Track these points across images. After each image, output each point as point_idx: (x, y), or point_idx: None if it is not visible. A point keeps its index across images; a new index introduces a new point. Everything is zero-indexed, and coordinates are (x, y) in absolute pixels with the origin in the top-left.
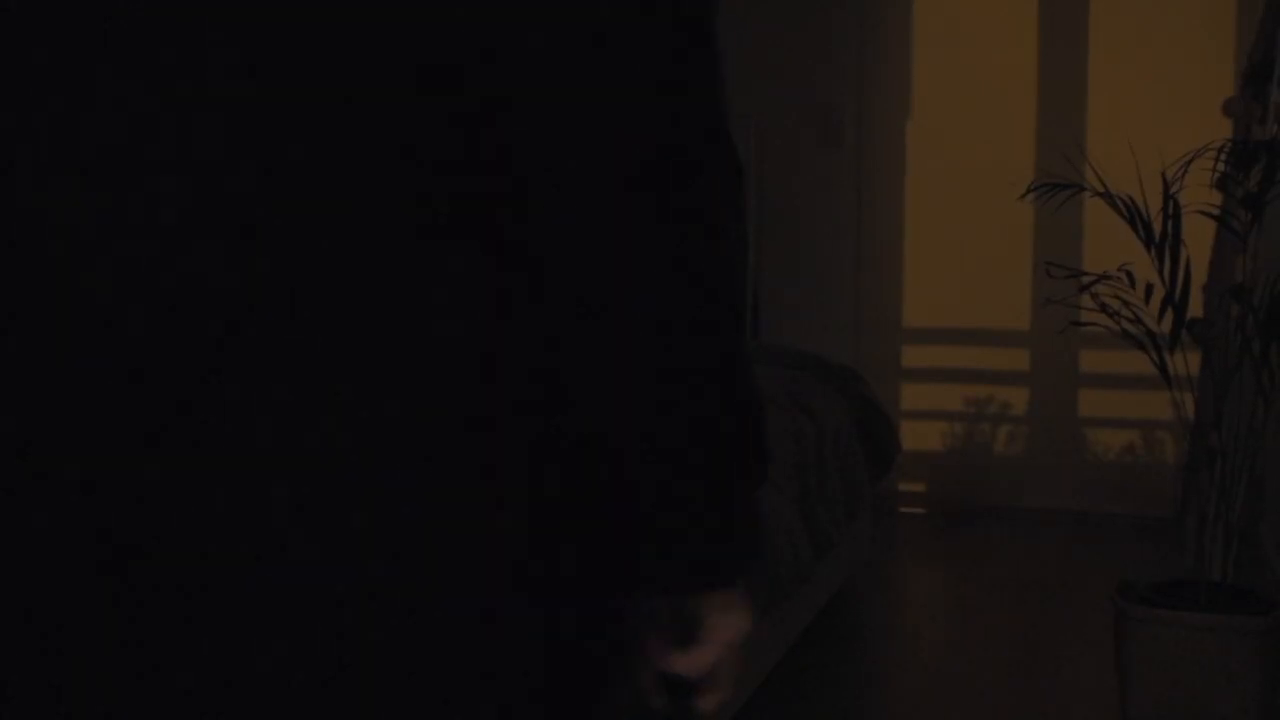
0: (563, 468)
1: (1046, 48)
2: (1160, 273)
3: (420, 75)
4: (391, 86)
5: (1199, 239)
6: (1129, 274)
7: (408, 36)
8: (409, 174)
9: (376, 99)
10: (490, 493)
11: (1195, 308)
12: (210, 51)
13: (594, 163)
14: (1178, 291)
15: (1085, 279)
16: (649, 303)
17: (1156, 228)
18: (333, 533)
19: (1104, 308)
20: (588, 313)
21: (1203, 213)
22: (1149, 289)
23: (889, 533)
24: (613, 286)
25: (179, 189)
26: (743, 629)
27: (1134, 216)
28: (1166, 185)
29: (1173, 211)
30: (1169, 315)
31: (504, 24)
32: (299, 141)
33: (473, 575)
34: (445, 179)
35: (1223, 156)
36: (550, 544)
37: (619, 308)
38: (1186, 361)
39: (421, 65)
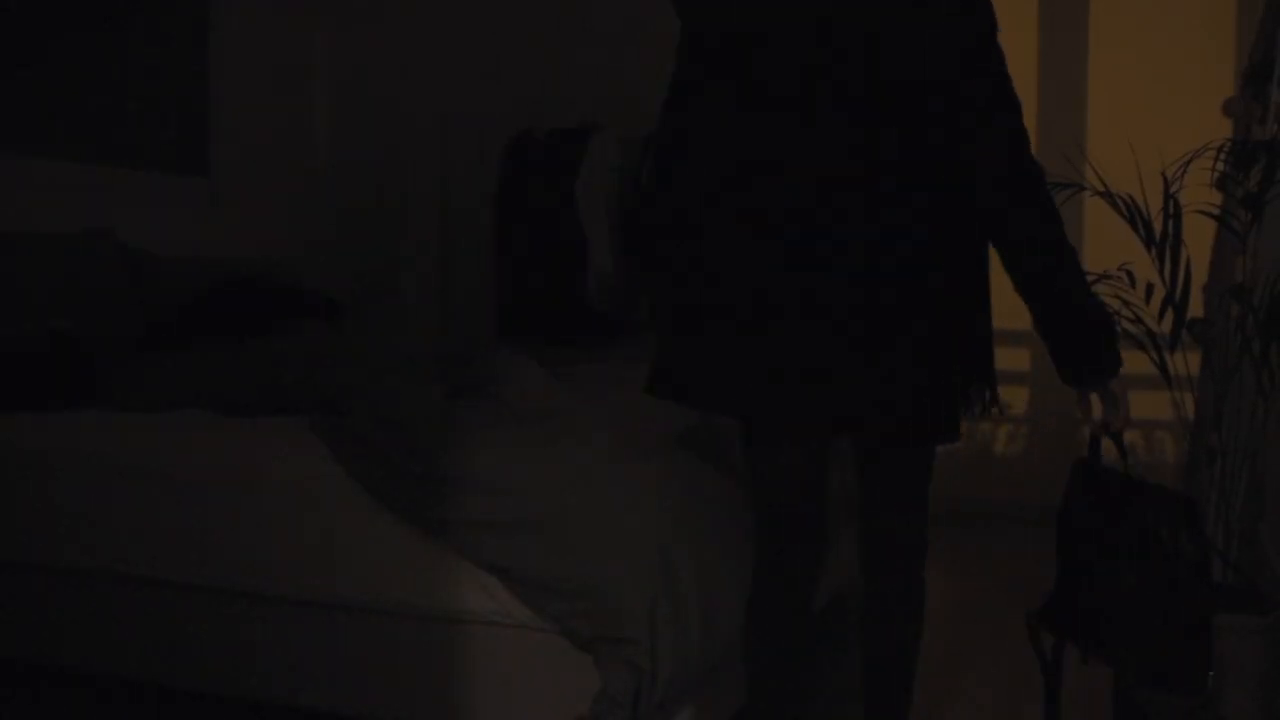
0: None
1: (1046, 47)
2: (1160, 273)
3: (917, 87)
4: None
5: (1199, 239)
6: (1129, 274)
7: (915, 69)
8: (924, 150)
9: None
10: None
11: (1195, 308)
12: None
13: (1003, 132)
14: (1178, 291)
15: None
16: (1046, 219)
17: (1156, 228)
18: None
19: None
20: (1014, 219)
21: (1203, 213)
22: (1149, 289)
23: None
24: (1027, 210)
25: (878, 188)
26: (1126, 395)
27: (1134, 216)
28: (1166, 185)
29: (1173, 211)
30: (1169, 315)
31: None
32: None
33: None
34: (930, 151)
35: (1223, 156)
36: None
37: (1031, 218)
38: (1186, 361)
39: (918, 81)
